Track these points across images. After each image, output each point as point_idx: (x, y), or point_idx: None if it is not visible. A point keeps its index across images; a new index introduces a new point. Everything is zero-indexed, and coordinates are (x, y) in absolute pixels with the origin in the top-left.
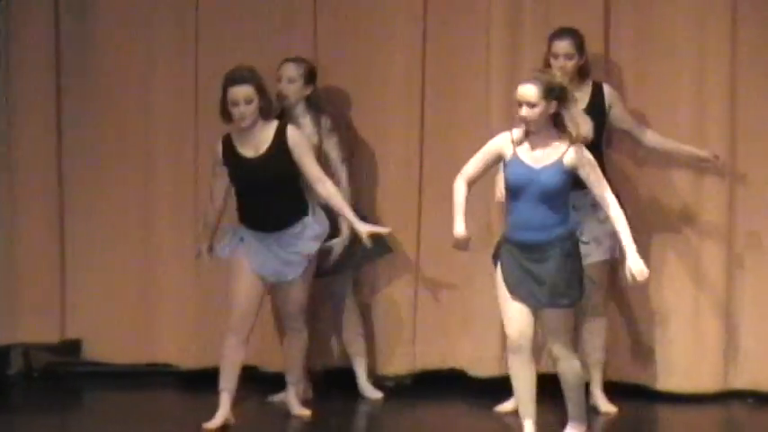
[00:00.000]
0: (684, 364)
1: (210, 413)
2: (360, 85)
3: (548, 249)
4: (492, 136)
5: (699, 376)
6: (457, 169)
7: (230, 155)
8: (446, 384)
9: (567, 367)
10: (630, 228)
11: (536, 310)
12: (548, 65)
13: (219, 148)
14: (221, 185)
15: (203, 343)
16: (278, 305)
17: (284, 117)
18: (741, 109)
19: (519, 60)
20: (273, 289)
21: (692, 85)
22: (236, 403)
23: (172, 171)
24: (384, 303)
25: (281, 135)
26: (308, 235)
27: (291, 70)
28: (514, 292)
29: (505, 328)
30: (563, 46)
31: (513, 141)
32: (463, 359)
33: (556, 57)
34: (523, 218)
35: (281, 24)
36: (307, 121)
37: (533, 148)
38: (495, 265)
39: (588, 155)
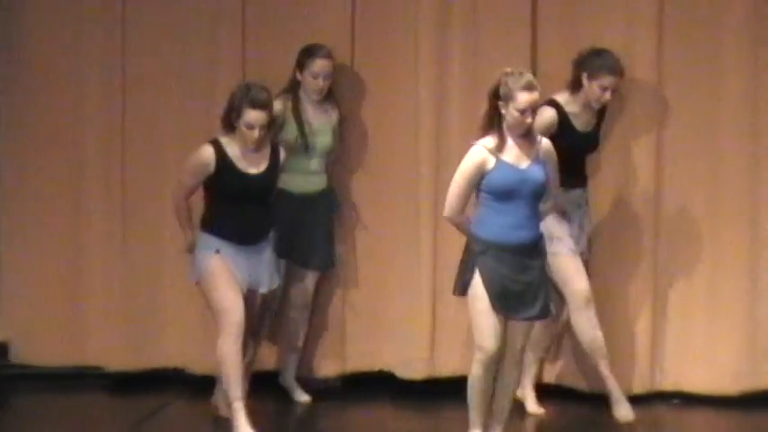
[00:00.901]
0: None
1: (140, 415)
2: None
3: (538, 249)
4: (419, 135)
5: (629, 379)
6: (387, 166)
7: (225, 166)
8: (374, 386)
9: (518, 375)
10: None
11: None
12: (576, 87)
13: (211, 155)
14: (196, 186)
15: (133, 344)
16: (253, 313)
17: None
18: (669, 112)
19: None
20: (250, 298)
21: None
22: (163, 406)
23: (101, 173)
24: (313, 305)
25: (276, 152)
26: (271, 244)
27: (329, 67)
28: (496, 303)
29: (482, 339)
30: (615, 82)
31: (490, 150)
32: (392, 361)
33: (605, 89)
34: (519, 218)
35: (209, 25)
36: (336, 113)
37: (513, 150)
38: (469, 272)
39: (552, 147)
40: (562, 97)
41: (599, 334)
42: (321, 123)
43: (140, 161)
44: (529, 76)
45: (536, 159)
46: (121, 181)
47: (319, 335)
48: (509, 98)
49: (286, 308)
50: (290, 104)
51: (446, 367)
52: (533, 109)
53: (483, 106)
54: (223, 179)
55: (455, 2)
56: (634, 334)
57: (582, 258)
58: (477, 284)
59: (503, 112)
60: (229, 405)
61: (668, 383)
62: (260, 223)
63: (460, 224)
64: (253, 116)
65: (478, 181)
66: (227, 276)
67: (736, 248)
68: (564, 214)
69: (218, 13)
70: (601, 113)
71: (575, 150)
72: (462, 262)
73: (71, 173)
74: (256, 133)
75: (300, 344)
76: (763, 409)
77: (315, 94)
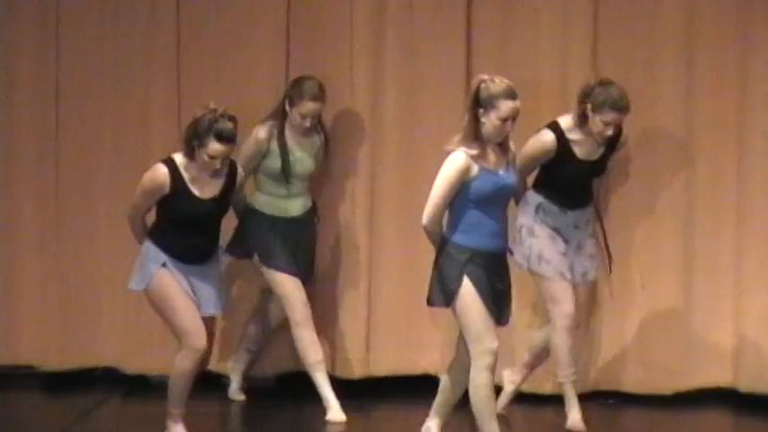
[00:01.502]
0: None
1: (73, 415)
2: (223, 84)
3: (505, 257)
4: (354, 136)
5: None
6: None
7: (178, 189)
8: (311, 385)
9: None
10: None
11: None
12: (582, 118)
13: (165, 177)
14: (151, 206)
15: (66, 344)
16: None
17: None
18: None
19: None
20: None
21: (554, 90)
22: (96, 406)
23: (34, 172)
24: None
25: (233, 172)
26: (218, 264)
27: (319, 109)
28: (490, 308)
29: (484, 343)
30: (619, 118)
31: (473, 158)
32: (329, 360)
33: (608, 125)
34: (497, 225)
35: (144, 24)
36: (320, 137)
37: (491, 156)
38: (455, 282)
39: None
40: (566, 122)
41: (573, 358)
42: (305, 151)
43: (74, 161)
44: (509, 84)
45: (508, 165)
46: (56, 179)
47: None
48: (491, 106)
49: (266, 314)
50: (275, 133)
51: (381, 367)
52: (514, 117)
53: (465, 115)
54: (175, 203)
55: (390, 2)
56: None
57: (584, 279)
58: (468, 292)
59: (482, 119)
60: (169, 413)
61: (604, 383)
62: (206, 245)
63: (435, 233)
64: (217, 149)
65: (459, 189)
66: (181, 294)
67: (671, 249)
68: (557, 232)
69: (153, 11)
70: (611, 142)
71: (572, 176)
72: (441, 272)
73: (4, 172)
74: (218, 164)
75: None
76: (697, 407)
77: (301, 132)
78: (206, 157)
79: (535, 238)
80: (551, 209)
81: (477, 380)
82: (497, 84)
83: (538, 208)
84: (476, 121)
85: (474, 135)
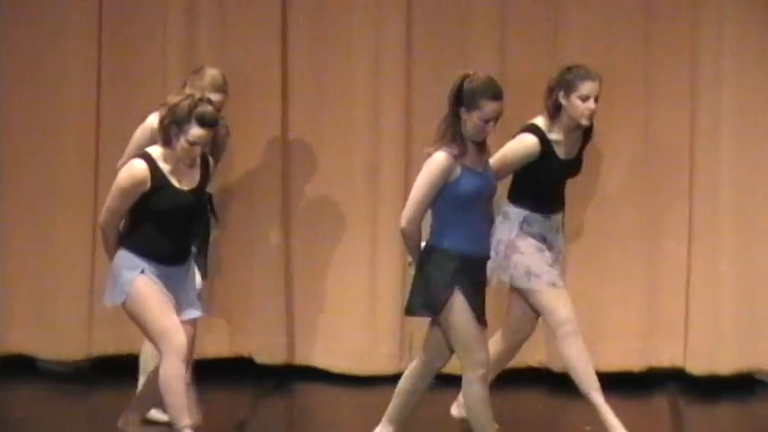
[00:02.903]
0: (360, 347)
1: None
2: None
3: (487, 260)
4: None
5: (374, 359)
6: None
7: (159, 183)
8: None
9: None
10: None
11: None
12: (555, 113)
13: (145, 172)
14: (128, 208)
15: None
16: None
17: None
18: (416, 111)
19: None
20: None
21: (367, 87)
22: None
23: None
24: None
25: (206, 163)
26: (193, 264)
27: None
28: (478, 315)
29: (475, 354)
30: (595, 87)
31: (455, 157)
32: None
33: (587, 98)
34: (480, 229)
35: None
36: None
37: (471, 155)
38: (446, 291)
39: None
40: (543, 123)
41: (590, 365)
42: None
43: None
44: (495, 83)
45: (486, 165)
46: None
47: None
48: (473, 106)
49: None
50: None
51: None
52: (496, 119)
53: (443, 113)
54: (156, 198)
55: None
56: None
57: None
58: (459, 302)
59: (463, 117)
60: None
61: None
62: (187, 242)
63: (414, 238)
64: (199, 134)
65: (440, 191)
66: (160, 297)
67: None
68: (544, 241)
69: None
70: (585, 137)
71: (555, 178)
72: (428, 280)
73: None
74: (198, 150)
75: None
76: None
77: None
78: (186, 144)
79: (520, 254)
80: (536, 218)
81: (470, 392)
82: (484, 83)
83: (522, 223)
84: (456, 120)
85: (453, 134)
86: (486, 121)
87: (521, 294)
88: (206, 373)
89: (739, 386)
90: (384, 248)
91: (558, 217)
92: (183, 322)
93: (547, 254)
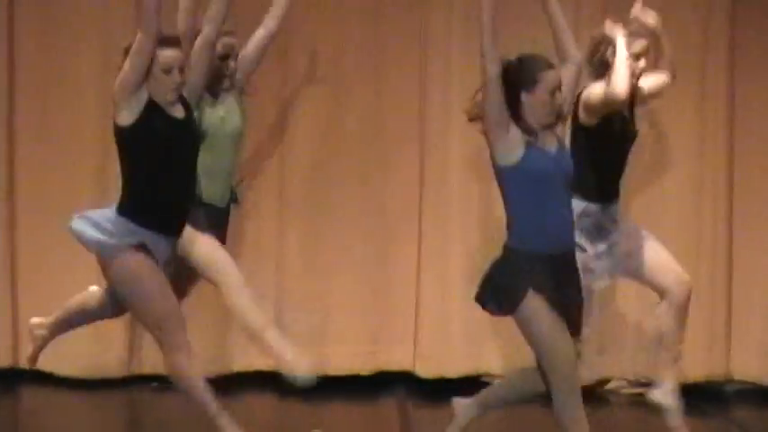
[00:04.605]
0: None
1: None
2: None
3: (574, 260)
4: None
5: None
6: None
7: (152, 108)
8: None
9: None
10: None
11: None
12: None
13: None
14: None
15: None
16: None
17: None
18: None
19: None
20: None
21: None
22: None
23: None
24: None
25: (185, 101)
26: None
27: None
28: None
29: (563, 365)
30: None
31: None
32: None
33: (553, 90)
34: (560, 219)
35: None
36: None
37: (542, 138)
38: (520, 290)
39: None
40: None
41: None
42: None
43: None
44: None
45: (561, 142)
46: None
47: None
48: (531, 82)
49: None
50: None
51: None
52: (559, 87)
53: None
54: (149, 124)
55: None
56: None
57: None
58: (538, 301)
59: (524, 101)
60: (214, 418)
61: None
62: (187, 194)
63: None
64: (168, 55)
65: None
66: (162, 282)
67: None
68: (601, 231)
69: None
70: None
71: (616, 145)
72: (505, 275)
73: None
74: (177, 76)
75: None
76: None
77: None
78: (162, 74)
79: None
80: (592, 210)
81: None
82: (530, 57)
83: (579, 217)
84: (517, 103)
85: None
86: (553, 93)
87: None
88: None
89: (467, 388)
90: None
91: (617, 205)
92: None
93: (601, 245)
